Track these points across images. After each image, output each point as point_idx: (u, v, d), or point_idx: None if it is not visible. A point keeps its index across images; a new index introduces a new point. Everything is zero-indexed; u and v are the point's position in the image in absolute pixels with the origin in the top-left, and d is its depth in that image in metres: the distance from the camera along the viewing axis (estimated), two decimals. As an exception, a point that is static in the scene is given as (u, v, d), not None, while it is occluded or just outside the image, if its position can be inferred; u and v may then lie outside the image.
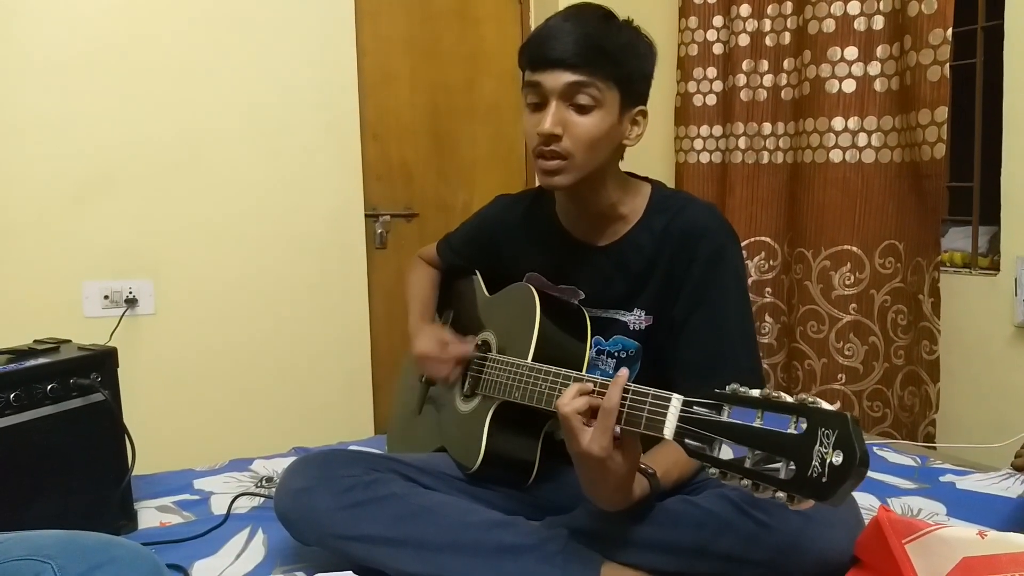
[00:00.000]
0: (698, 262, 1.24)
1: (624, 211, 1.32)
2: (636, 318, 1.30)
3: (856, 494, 1.08)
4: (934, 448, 2.24)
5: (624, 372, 1.01)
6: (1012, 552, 0.99)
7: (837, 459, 0.76)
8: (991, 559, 1.00)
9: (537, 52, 1.21)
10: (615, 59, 1.20)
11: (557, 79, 1.19)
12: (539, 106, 1.22)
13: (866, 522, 1.15)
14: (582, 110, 1.20)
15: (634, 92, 1.25)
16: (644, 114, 1.29)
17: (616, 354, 1.32)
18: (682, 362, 1.24)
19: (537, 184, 1.33)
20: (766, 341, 2.74)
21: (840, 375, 2.54)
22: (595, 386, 1.04)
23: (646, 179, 1.37)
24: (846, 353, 2.53)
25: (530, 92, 1.24)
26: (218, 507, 1.55)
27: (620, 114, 1.24)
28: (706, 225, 1.27)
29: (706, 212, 1.30)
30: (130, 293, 2.28)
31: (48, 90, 2.17)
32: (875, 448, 1.91)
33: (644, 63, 1.26)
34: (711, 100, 2.85)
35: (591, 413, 1.02)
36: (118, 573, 0.82)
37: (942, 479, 1.68)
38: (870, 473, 0.79)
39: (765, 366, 2.74)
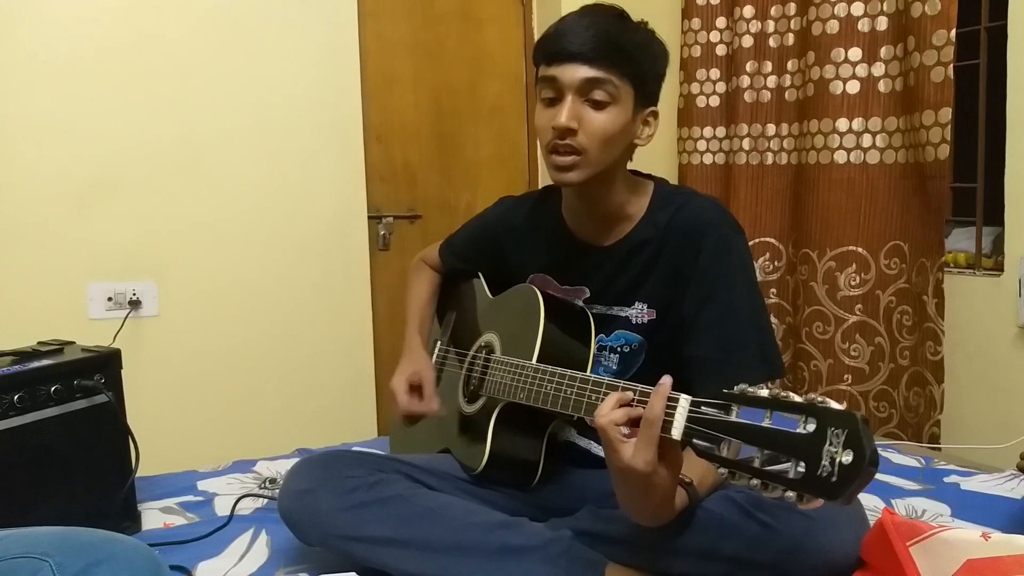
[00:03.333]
0: (704, 254, 1.23)
1: (630, 211, 1.31)
2: (638, 312, 1.30)
3: (861, 495, 1.08)
4: (939, 449, 2.24)
5: (667, 380, 0.95)
6: (1016, 554, 0.99)
7: (847, 458, 0.75)
8: (995, 561, 1.00)
9: (554, 46, 1.21)
10: (631, 57, 1.21)
11: (574, 73, 1.19)
12: (554, 101, 1.22)
13: (871, 523, 1.15)
14: (598, 106, 1.20)
15: (647, 92, 1.25)
16: (655, 115, 1.29)
17: (619, 349, 1.31)
18: (698, 358, 1.21)
19: (541, 185, 1.32)
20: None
21: (846, 376, 2.53)
22: (635, 394, 0.99)
23: (649, 176, 1.37)
24: (852, 354, 2.52)
25: (545, 87, 1.23)
26: (222, 508, 1.55)
27: (633, 113, 1.24)
28: (710, 218, 1.27)
29: (709, 205, 1.30)
30: (134, 295, 2.28)
31: (52, 92, 2.17)
32: (879, 449, 1.90)
33: (658, 64, 1.27)
34: (714, 101, 2.85)
35: (630, 424, 0.98)
36: (117, 569, 0.81)
37: (946, 480, 1.67)
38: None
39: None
